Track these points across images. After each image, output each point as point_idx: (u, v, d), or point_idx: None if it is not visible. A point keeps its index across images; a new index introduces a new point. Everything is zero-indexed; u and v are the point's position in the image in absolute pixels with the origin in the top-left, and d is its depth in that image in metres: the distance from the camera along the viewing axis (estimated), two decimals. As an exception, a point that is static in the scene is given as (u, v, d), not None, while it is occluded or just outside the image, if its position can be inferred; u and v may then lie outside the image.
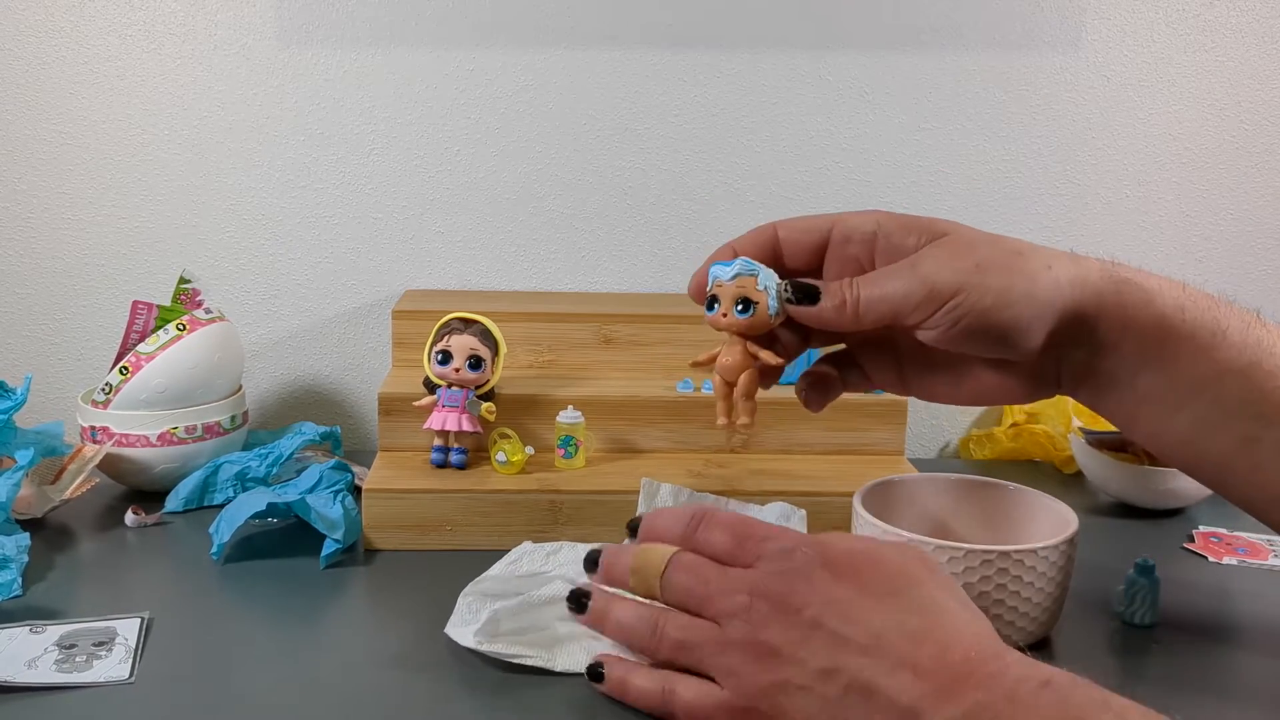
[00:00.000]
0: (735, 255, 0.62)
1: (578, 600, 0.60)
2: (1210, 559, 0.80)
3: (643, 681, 0.57)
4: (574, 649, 0.63)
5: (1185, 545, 0.83)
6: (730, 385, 0.63)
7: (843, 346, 0.67)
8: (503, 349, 0.85)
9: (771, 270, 0.61)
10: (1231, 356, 0.57)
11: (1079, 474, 0.96)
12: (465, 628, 0.64)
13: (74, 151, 1.00)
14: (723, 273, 0.61)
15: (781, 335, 0.63)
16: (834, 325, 0.60)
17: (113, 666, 0.62)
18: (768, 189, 1.04)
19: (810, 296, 0.60)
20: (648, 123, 1.02)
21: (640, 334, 0.94)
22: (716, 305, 0.61)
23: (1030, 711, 0.46)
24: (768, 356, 0.62)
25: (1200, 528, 0.86)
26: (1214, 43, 1.02)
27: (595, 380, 0.92)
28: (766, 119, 1.03)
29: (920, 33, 1.01)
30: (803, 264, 0.63)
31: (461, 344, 0.83)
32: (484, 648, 0.63)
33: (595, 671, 0.59)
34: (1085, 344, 0.59)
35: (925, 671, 0.48)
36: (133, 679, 0.61)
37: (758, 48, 1.01)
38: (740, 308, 0.61)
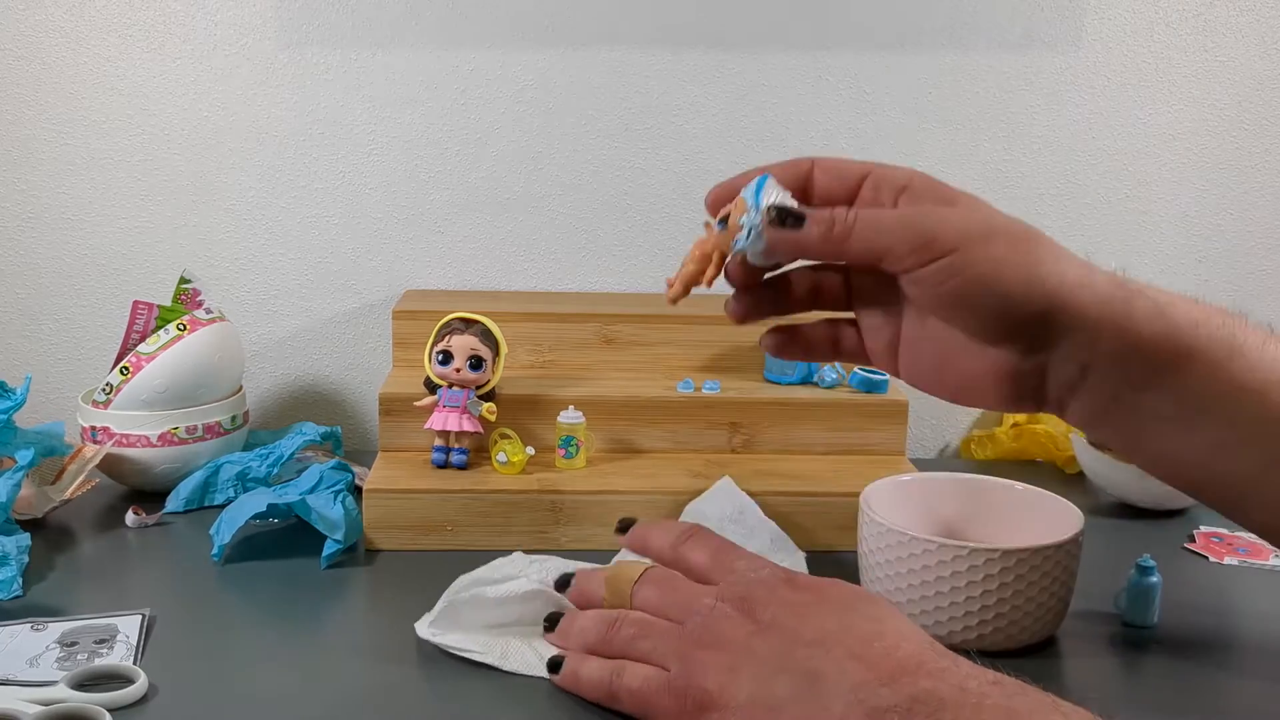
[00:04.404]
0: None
1: (552, 621, 0.62)
2: (1211, 559, 0.80)
3: (592, 670, 0.58)
4: (525, 650, 0.63)
5: (1186, 545, 0.83)
6: (696, 272, 0.59)
7: (850, 315, 0.63)
8: (503, 349, 0.84)
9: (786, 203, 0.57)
10: (1247, 374, 0.54)
11: (1080, 474, 0.96)
12: (424, 619, 0.65)
13: (74, 152, 1.00)
14: (746, 194, 0.57)
15: (796, 286, 0.60)
16: (817, 252, 0.56)
17: (113, 664, 0.62)
18: (768, 189, 1.04)
19: (796, 220, 0.55)
20: (648, 123, 1.02)
21: (641, 334, 0.94)
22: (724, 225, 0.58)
23: (979, 702, 0.47)
24: (708, 275, 0.59)
25: (1201, 528, 0.86)
26: (1214, 43, 1.02)
27: (596, 380, 0.92)
28: (766, 119, 1.02)
29: (920, 33, 1.01)
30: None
31: (462, 344, 0.83)
32: (435, 639, 0.63)
33: (554, 663, 0.60)
34: (1079, 358, 0.55)
35: (873, 662, 0.49)
36: (134, 679, 0.61)
37: (758, 48, 1.01)
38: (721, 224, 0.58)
